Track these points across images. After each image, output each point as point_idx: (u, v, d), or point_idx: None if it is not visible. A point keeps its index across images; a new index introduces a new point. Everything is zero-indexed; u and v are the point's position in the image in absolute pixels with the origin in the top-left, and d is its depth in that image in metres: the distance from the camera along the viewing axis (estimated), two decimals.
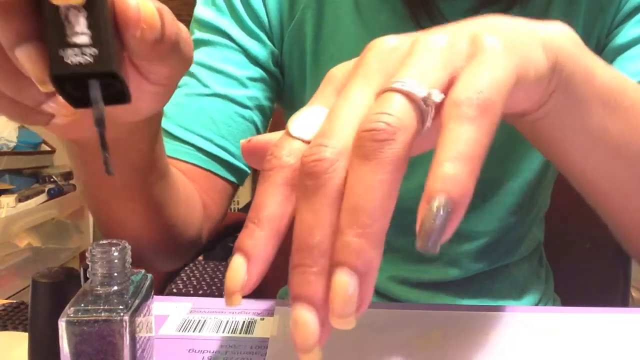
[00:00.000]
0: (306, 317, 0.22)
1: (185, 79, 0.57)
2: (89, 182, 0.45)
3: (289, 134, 0.26)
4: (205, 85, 0.56)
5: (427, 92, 0.23)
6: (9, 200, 1.97)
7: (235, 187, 0.59)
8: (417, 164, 0.23)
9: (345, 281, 0.21)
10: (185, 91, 0.57)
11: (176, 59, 0.30)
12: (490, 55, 0.25)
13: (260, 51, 0.58)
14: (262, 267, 0.24)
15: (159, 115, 0.41)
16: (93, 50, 0.25)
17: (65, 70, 0.25)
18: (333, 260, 0.22)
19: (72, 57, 0.25)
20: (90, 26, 0.25)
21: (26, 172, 2.21)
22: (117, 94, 0.28)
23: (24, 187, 2.14)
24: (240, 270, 0.24)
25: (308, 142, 0.25)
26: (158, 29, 0.27)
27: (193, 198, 0.53)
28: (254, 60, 0.58)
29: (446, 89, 0.24)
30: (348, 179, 0.22)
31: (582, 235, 0.81)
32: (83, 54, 0.25)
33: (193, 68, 0.57)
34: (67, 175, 2.28)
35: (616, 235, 0.45)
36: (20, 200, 2.02)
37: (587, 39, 0.54)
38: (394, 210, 0.22)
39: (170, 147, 0.55)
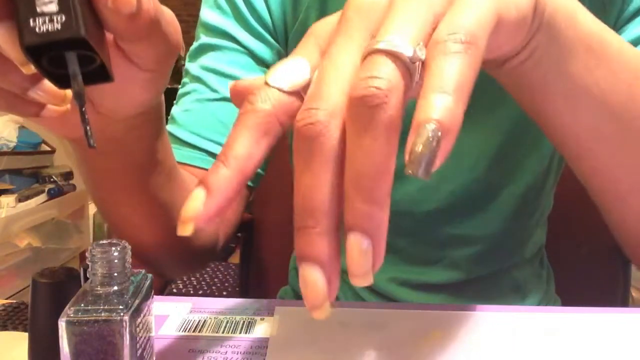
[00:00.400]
0: (314, 276, 0.23)
1: (194, 85, 0.57)
2: (93, 180, 0.45)
3: (266, 84, 0.26)
4: (214, 90, 0.56)
5: (413, 49, 0.23)
6: (9, 200, 1.97)
7: (250, 189, 0.59)
8: None
9: (358, 241, 0.22)
10: (195, 97, 0.57)
11: (159, 39, 0.30)
12: None
13: (266, 52, 0.58)
14: (220, 201, 0.24)
15: (156, 109, 0.40)
16: (61, 17, 0.25)
17: (35, 39, 0.25)
18: (345, 227, 0.22)
19: (41, 26, 0.25)
20: None
21: (26, 172, 2.21)
22: (99, 72, 0.28)
23: (24, 187, 2.14)
24: (198, 200, 0.24)
25: (286, 92, 0.25)
26: (133, 2, 0.27)
27: None
28: (261, 62, 0.58)
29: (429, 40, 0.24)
30: (347, 147, 0.22)
31: (582, 236, 0.81)
32: (51, 21, 0.25)
33: (201, 73, 0.57)
34: (67, 175, 2.29)
35: (602, 213, 0.44)
36: (20, 200, 2.02)
37: None
38: (393, 213, 0.23)
39: (182, 154, 0.54)
